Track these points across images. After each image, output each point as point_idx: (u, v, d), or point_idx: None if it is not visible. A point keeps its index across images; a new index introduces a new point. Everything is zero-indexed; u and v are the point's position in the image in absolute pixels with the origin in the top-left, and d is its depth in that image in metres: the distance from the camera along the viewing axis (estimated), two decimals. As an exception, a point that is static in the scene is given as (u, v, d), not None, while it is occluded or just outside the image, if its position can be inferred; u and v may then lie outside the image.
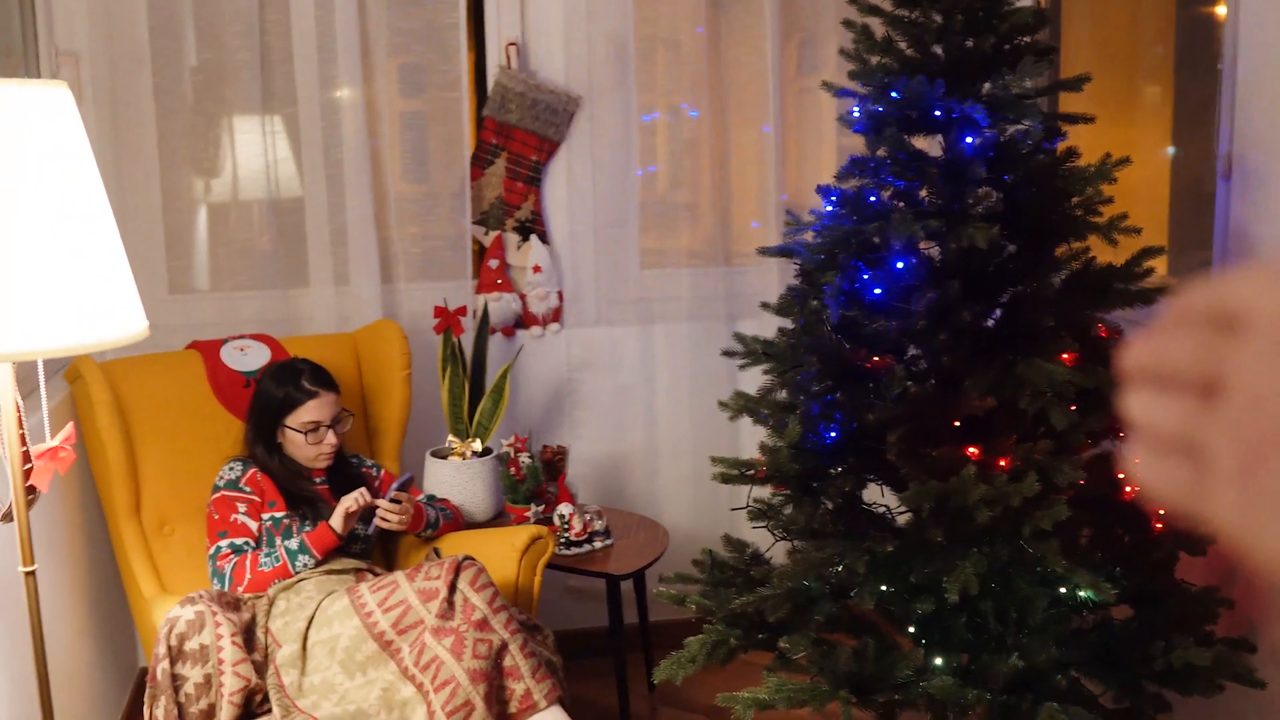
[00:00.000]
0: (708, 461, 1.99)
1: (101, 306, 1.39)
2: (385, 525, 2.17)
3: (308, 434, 2.18)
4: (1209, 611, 1.77)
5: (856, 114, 1.86)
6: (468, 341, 2.59)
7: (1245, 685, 1.68)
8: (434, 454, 2.52)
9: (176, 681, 1.85)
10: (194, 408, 2.32)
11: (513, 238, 2.77)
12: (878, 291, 1.78)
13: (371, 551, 2.30)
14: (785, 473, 1.81)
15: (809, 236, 1.87)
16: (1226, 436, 0.32)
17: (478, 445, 2.50)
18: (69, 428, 1.58)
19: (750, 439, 2.67)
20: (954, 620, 1.75)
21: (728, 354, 2.00)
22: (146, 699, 1.87)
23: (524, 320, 2.78)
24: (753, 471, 1.86)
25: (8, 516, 1.56)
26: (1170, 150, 2.49)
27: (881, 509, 1.89)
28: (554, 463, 2.63)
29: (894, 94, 1.79)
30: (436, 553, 2.25)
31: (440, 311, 2.52)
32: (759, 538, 1.96)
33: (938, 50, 1.83)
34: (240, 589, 2.07)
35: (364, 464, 2.35)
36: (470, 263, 2.74)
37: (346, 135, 2.61)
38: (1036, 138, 1.77)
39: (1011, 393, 1.69)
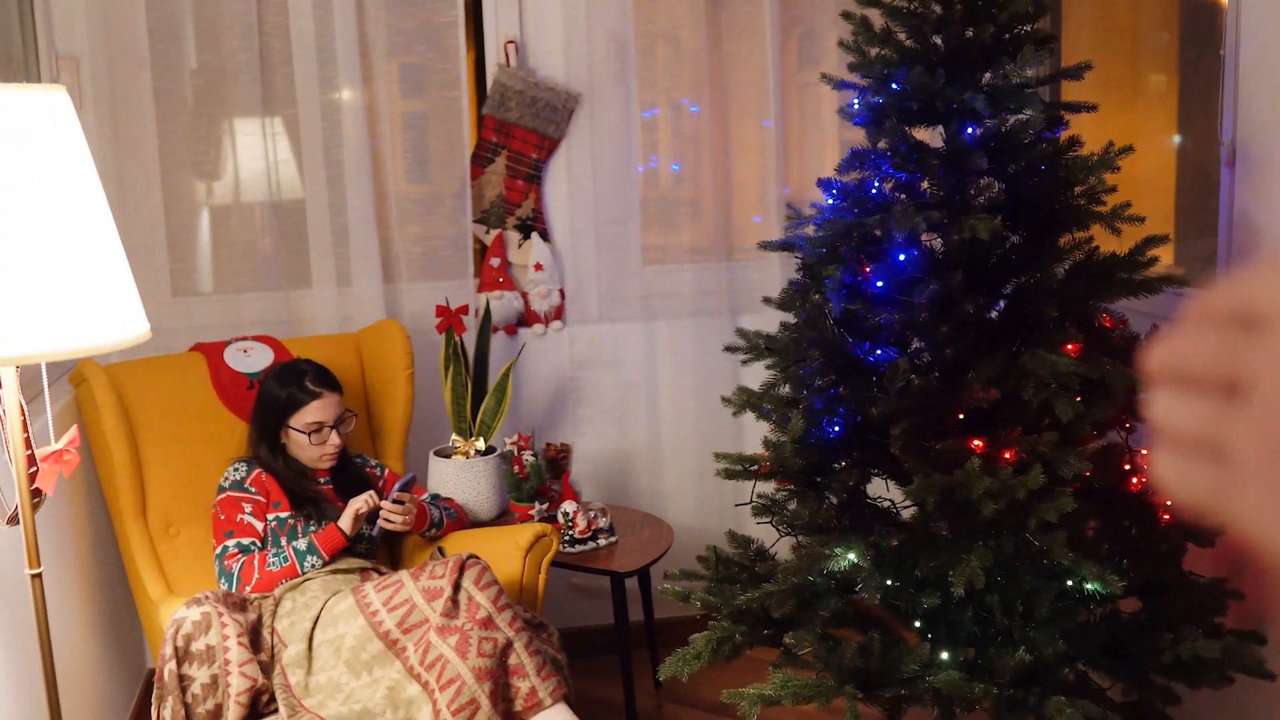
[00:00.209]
0: (711, 457, 1.99)
1: (104, 309, 1.39)
2: (389, 526, 2.17)
3: (311, 434, 2.18)
4: (1218, 603, 1.76)
5: (856, 106, 1.85)
6: (470, 340, 2.59)
7: (1255, 677, 1.67)
8: (437, 453, 2.52)
9: (183, 682, 1.86)
10: (198, 409, 2.33)
11: (514, 236, 2.77)
12: (880, 284, 1.78)
13: (376, 551, 2.30)
14: (789, 468, 1.81)
15: (810, 230, 1.87)
16: (1250, 437, 0.32)
17: (481, 444, 2.50)
18: (73, 430, 1.58)
19: (754, 434, 2.66)
20: (960, 614, 1.74)
21: (730, 349, 1.99)
22: (154, 699, 1.88)
23: (526, 318, 2.78)
24: (756, 467, 1.85)
25: (13, 519, 1.56)
26: (1175, 138, 2.47)
27: (886, 503, 1.88)
28: (557, 460, 2.63)
29: (894, 85, 1.78)
30: (441, 552, 2.25)
31: (442, 310, 2.52)
32: (763, 533, 1.95)
33: (937, 40, 1.82)
34: (248, 589, 2.08)
35: (368, 464, 2.35)
36: (472, 261, 2.74)
37: (347, 136, 2.61)
38: (1038, 127, 1.76)
39: (1015, 384, 1.68)
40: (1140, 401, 1.84)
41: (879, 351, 1.79)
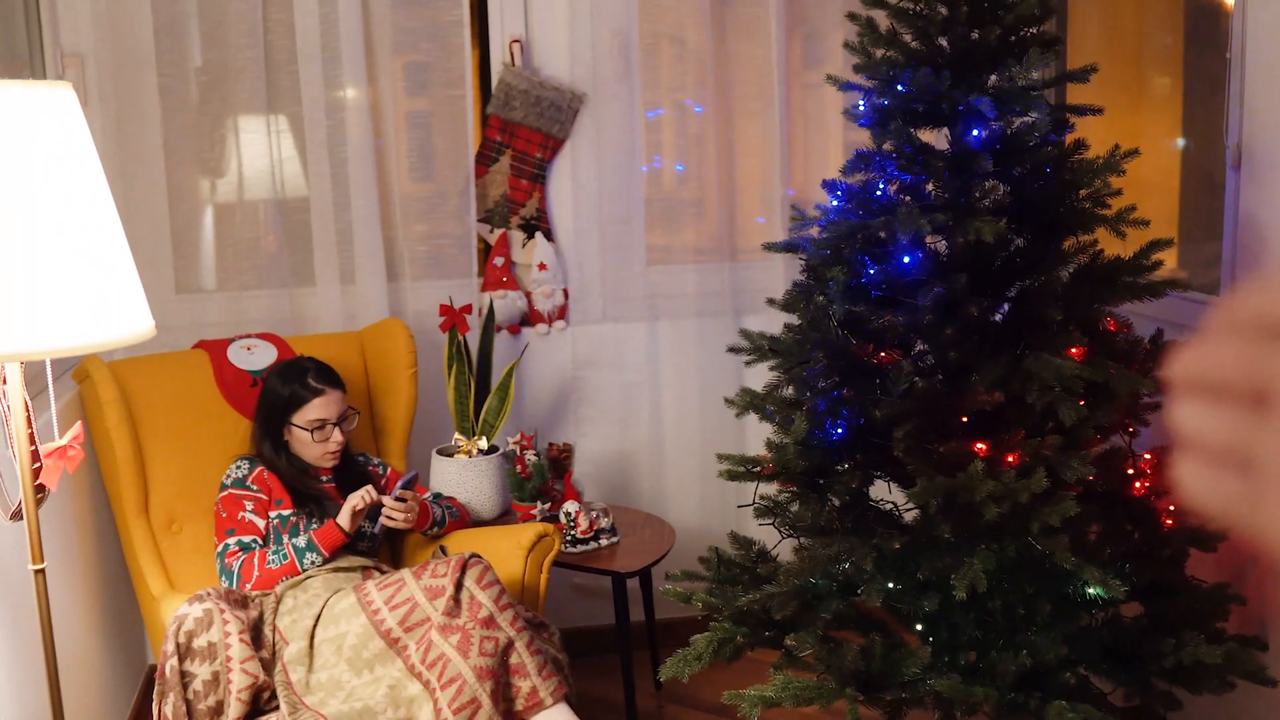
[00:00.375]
0: (714, 458, 1.99)
1: (108, 306, 1.39)
2: (391, 524, 2.18)
3: (314, 432, 2.19)
4: (1220, 608, 1.76)
5: (862, 108, 1.85)
6: (473, 339, 2.59)
7: (1256, 683, 1.67)
8: (440, 452, 2.52)
9: (185, 678, 1.86)
10: (201, 407, 2.33)
11: (518, 235, 2.77)
12: (884, 286, 1.78)
13: (378, 549, 2.30)
14: (792, 469, 1.81)
15: (815, 231, 1.86)
16: (1277, 448, 0.32)
17: (483, 443, 2.50)
18: (77, 426, 1.59)
19: (756, 436, 2.66)
20: (962, 617, 1.74)
21: (734, 350, 1.99)
22: (155, 696, 1.88)
23: (529, 318, 2.78)
24: (759, 468, 1.85)
25: (17, 515, 1.57)
26: (1180, 141, 2.47)
27: (889, 506, 1.88)
28: (560, 460, 2.63)
29: (900, 87, 1.78)
30: (443, 550, 2.26)
31: (446, 309, 2.52)
32: (765, 535, 1.95)
33: (943, 42, 1.82)
34: (248, 586, 2.08)
35: (370, 462, 2.35)
36: (475, 261, 2.74)
37: (351, 134, 2.61)
38: (1044, 130, 1.75)
39: (1020, 387, 1.68)
40: (1150, 407, 1.83)
41: (883, 354, 1.78)
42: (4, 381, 1.48)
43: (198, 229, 2.65)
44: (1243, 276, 1.99)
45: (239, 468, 2.19)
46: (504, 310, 2.73)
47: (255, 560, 2.09)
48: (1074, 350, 1.70)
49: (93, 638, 2.20)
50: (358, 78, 2.59)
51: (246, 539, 2.12)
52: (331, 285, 2.65)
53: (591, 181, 2.75)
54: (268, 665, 1.95)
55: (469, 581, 1.93)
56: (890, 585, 1.72)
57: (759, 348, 1.91)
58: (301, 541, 2.11)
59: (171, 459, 2.27)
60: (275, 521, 2.16)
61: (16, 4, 2.29)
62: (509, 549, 2.19)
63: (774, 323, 2.02)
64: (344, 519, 2.12)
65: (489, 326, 2.57)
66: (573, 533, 2.42)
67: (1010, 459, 1.66)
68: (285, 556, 2.10)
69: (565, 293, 2.78)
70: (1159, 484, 1.79)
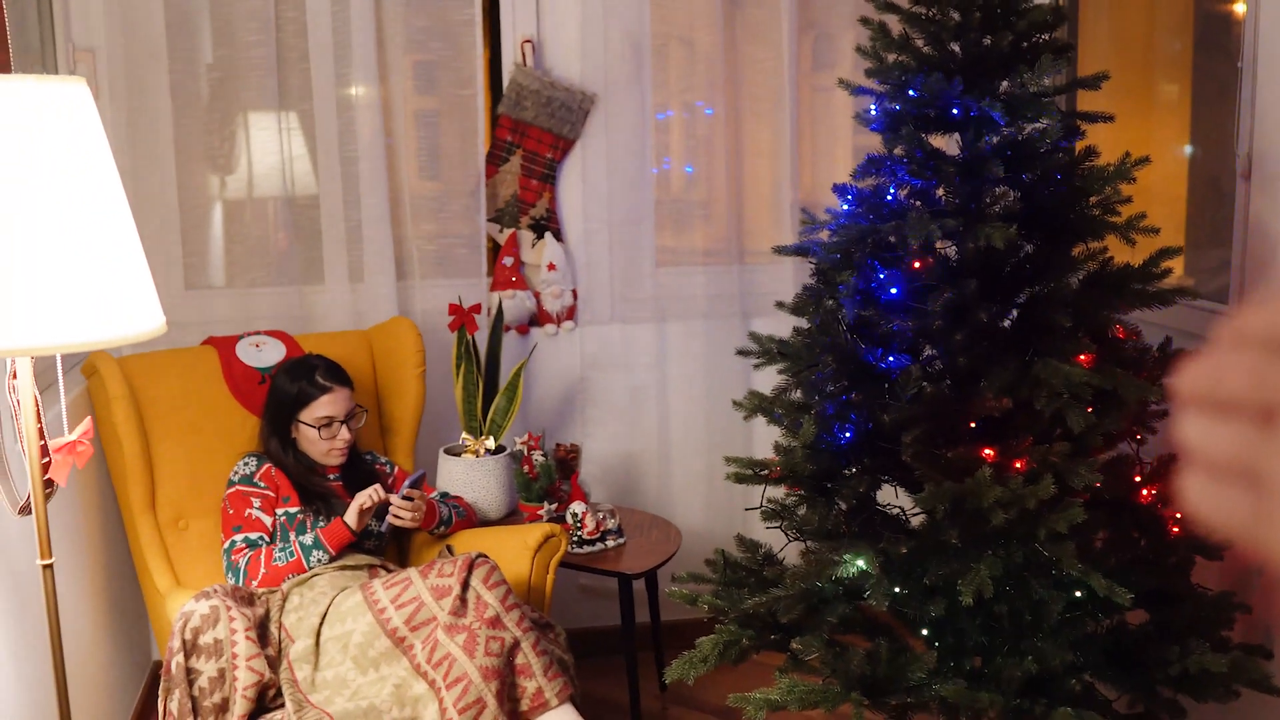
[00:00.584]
0: (721, 461, 1.99)
1: (118, 302, 1.40)
2: (398, 522, 2.18)
3: (321, 429, 2.19)
4: (1225, 616, 1.76)
5: (873, 112, 1.85)
6: (482, 339, 2.60)
7: (1261, 692, 1.67)
8: (447, 451, 2.53)
9: (190, 675, 1.86)
10: (209, 403, 2.33)
11: (527, 235, 2.77)
12: (894, 291, 1.78)
13: (385, 548, 2.31)
14: (799, 473, 1.81)
15: (825, 235, 1.86)
16: None
17: (491, 443, 2.50)
18: (86, 422, 1.59)
19: (764, 439, 2.66)
20: (968, 623, 1.74)
21: (742, 353, 1.99)
22: (161, 692, 1.88)
23: (538, 318, 2.78)
24: (766, 471, 1.85)
25: (26, 510, 1.57)
26: (1188, 149, 2.47)
27: (896, 510, 1.88)
28: (567, 461, 2.63)
29: (911, 92, 1.78)
30: (449, 550, 2.26)
31: (455, 309, 2.52)
32: (772, 538, 1.95)
33: (955, 48, 1.82)
34: (255, 583, 2.08)
35: (378, 460, 2.36)
36: (485, 260, 2.75)
37: (361, 132, 2.61)
38: (1055, 136, 1.75)
39: (1028, 394, 1.68)
40: (1158, 415, 1.83)
41: (892, 358, 1.78)
42: (14, 376, 1.49)
43: (207, 225, 2.65)
44: (1252, 286, 1.98)
45: (246, 464, 2.20)
46: (513, 310, 2.73)
47: (262, 557, 2.10)
48: (1083, 357, 1.70)
49: (99, 633, 2.21)
50: (369, 76, 2.60)
51: (253, 536, 2.13)
52: (340, 283, 2.66)
53: (601, 182, 2.75)
54: (273, 663, 1.95)
55: (475, 581, 1.93)
56: (897, 590, 1.72)
57: (768, 351, 1.91)
58: (308, 539, 2.12)
59: (179, 455, 2.28)
60: (282, 519, 2.16)
61: (30, -1, 2.30)
62: (516, 549, 2.19)
63: (783, 326, 2.02)
64: (351, 517, 2.12)
65: (498, 326, 2.57)
66: (579, 533, 2.43)
67: (1018, 465, 1.66)
68: (292, 554, 2.10)
69: (574, 293, 2.79)
70: (1165, 492, 1.79)
